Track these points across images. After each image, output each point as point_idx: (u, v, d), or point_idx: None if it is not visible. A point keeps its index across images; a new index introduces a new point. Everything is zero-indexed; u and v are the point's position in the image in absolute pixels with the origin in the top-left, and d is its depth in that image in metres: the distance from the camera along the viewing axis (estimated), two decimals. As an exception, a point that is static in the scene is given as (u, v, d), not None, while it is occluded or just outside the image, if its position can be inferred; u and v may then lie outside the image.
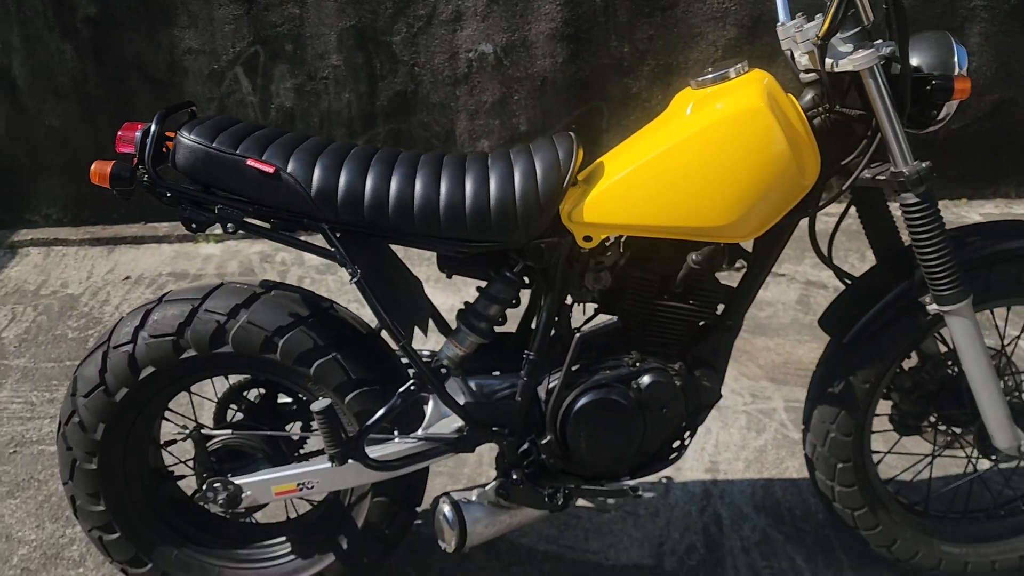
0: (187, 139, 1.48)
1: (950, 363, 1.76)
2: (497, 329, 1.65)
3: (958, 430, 1.80)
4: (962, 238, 1.68)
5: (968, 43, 3.63)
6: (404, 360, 1.67)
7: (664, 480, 2.23)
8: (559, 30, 3.51)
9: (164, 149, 1.50)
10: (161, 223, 3.70)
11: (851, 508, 1.80)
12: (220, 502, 1.61)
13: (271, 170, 1.47)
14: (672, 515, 2.10)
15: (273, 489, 1.62)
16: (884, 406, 1.83)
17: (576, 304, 1.69)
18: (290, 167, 1.48)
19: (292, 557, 1.77)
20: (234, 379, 1.77)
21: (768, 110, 1.46)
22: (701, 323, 1.69)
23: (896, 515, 1.82)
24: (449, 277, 1.68)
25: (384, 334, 1.64)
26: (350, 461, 1.58)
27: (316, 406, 1.50)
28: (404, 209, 1.49)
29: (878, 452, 1.86)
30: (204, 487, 1.62)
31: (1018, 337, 1.90)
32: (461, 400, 1.63)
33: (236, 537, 1.82)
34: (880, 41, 1.46)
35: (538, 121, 3.64)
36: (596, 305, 1.72)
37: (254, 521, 1.86)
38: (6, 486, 2.25)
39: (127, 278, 3.34)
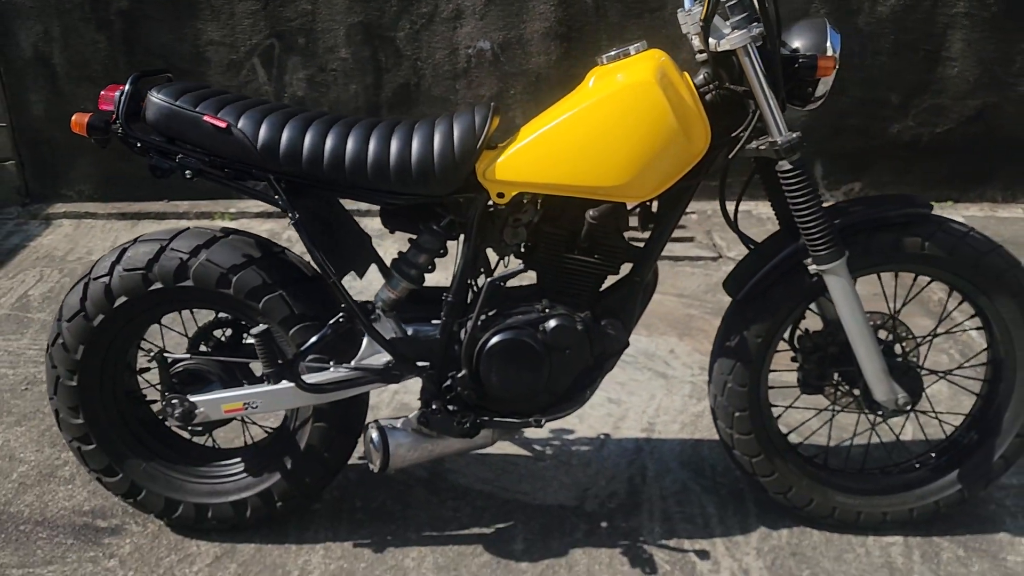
0: (156, 98, 1.73)
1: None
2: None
3: (857, 391, 1.96)
4: (846, 207, 1.85)
5: (950, 49, 3.75)
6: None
7: (602, 436, 2.42)
8: (553, 29, 3.72)
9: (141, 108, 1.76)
10: (182, 201, 4.00)
11: (748, 455, 1.96)
12: (176, 416, 1.85)
13: (224, 125, 1.71)
14: (602, 466, 2.29)
15: (223, 407, 1.86)
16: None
17: (502, 258, 1.90)
18: (241, 123, 1.72)
19: (245, 475, 2.01)
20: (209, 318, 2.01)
21: (656, 84, 1.66)
22: (608, 276, 1.88)
23: (792, 464, 1.98)
24: (392, 232, 1.91)
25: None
26: (289, 384, 1.81)
27: (254, 330, 1.74)
28: (337, 162, 1.72)
29: (778, 406, 2.03)
30: (164, 403, 1.86)
31: (907, 302, 2.04)
32: (388, 336, 1.84)
33: (199, 456, 2.06)
34: (754, 23, 1.65)
35: (533, 114, 3.83)
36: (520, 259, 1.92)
37: (215, 444, 2.10)
38: (15, 416, 2.53)
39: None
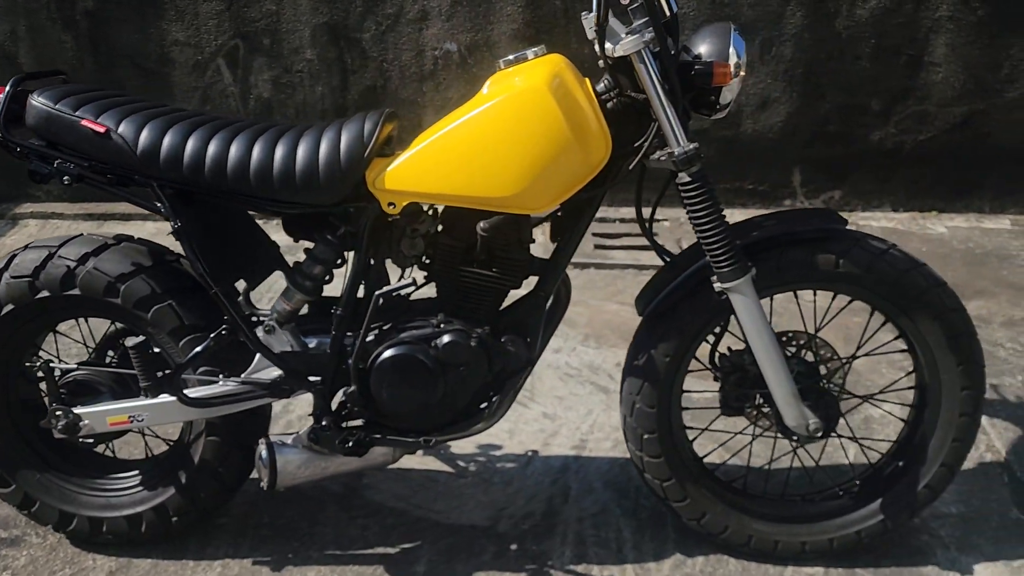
0: (35, 101, 1.68)
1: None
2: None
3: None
4: (760, 222, 1.76)
5: (934, 54, 3.61)
6: (246, 311, 1.83)
7: (530, 453, 2.34)
8: (520, 31, 3.64)
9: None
10: (149, 203, 3.97)
11: (659, 479, 1.87)
12: (60, 428, 1.80)
13: (103, 130, 1.65)
14: (524, 484, 2.21)
15: (108, 419, 1.80)
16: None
17: (404, 270, 1.82)
18: (121, 128, 1.66)
19: (140, 489, 1.95)
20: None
21: (548, 90, 1.58)
22: (511, 290, 1.80)
23: (707, 489, 1.89)
24: (296, 242, 1.84)
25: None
26: (171, 398, 1.75)
27: (130, 342, 1.68)
28: (219, 169, 1.65)
29: (693, 428, 1.94)
30: (48, 414, 1.81)
31: (827, 322, 1.94)
32: (277, 349, 1.78)
33: (95, 468, 2.01)
34: (648, 29, 1.56)
35: (502, 119, 3.77)
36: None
37: (114, 455, 2.05)
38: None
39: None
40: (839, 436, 1.92)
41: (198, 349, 1.73)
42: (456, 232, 1.74)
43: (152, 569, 1.94)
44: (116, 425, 1.81)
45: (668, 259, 1.86)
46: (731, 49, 1.60)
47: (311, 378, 1.79)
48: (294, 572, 1.93)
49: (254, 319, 1.81)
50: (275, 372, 1.79)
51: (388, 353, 1.73)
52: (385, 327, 1.77)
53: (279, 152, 1.66)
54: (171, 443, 2.05)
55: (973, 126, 3.73)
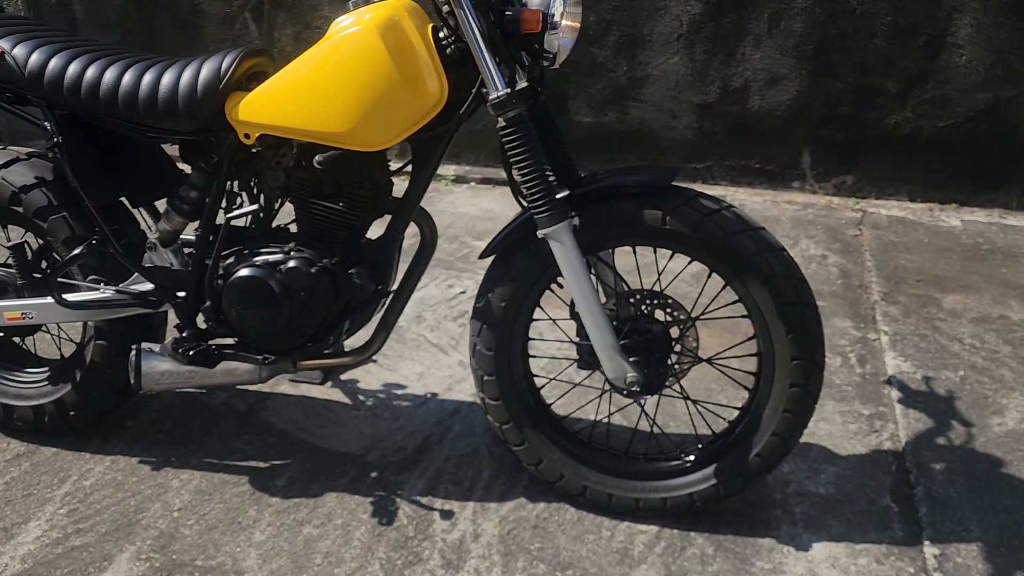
0: (-50, 25, 1.88)
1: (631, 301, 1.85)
2: None
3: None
4: (595, 176, 1.78)
5: (957, 35, 3.41)
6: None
7: (430, 395, 2.42)
8: (526, -4, 3.67)
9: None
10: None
11: (498, 421, 1.92)
12: (-34, 316, 2.02)
13: (-2, 52, 1.84)
14: (409, 422, 2.30)
15: (5, 314, 2.01)
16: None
17: (268, 198, 1.94)
18: (15, 51, 1.84)
19: (46, 384, 2.17)
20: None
21: (375, 31, 1.65)
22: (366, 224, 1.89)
23: (546, 436, 1.92)
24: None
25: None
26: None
27: (8, 244, 1.87)
28: (92, 92, 1.81)
29: (541, 376, 1.97)
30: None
31: (663, 278, 1.92)
32: (148, 264, 1.93)
33: (15, 361, 2.23)
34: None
35: (507, 82, 3.82)
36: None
37: (34, 352, 2.28)
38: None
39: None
40: (687, 398, 1.91)
41: (70, 255, 1.91)
42: (308, 165, 1.84)
43: (53, 457, 2.16)
44: (13, 320, 2.01)
45: (523, 206, 1.89)
46: (552, 2, 1.62)
47: (178, 293, 1.94)
48: (169, 473, 2.09)
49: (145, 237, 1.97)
50: (147, 285, 1.95)
51: (237, 274, 1.85)
52: (244, 251, 1.90)
53: (146, 79, 1.80)
54: (77, 344, 2.26)
55: (999, 114, 3.50)
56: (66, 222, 1.96)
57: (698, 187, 3.61)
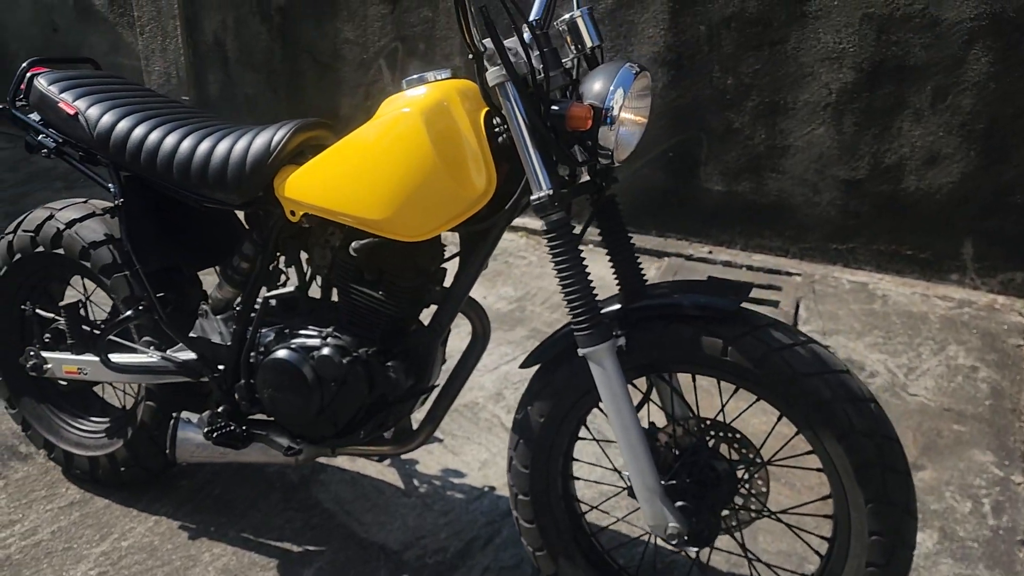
0: (36, 81, 1.93)
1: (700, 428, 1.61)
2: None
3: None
4: (653, 289, 1.55)
5: None
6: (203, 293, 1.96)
7: (486, 489, 2.25)
8: (661, 55, 3.47)
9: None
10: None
11: (532, 547, 1.73)
12: (29, 366, 2.05)
13: (72, 112, 1.86)
14: (458, 518, 2.13)
15: (63, 367, 2.02)
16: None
17: (314, 277, 1.85)
18: (88, 111, 1.85)
19: (103, 435, 2.17)
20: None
21: (420, 117, 1.52)
22: (409, 315, 1.75)
23: (583, 571, 1.70)
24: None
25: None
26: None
27: (63, 303, 1.87)
28: (150, 157, 1.79)
29: (584, 503, 1.76)
30: (24, 352, 2.07)
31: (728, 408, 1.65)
32: (198, 332, 1.88)
33: (81, 408, 2.26)
34: (519, 59, 1.44)
35: (635, 144, 3.62)
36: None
37: (102, 400, 2.30)
38: None
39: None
40: (747, 556, 1.64)
41: (118, 318, 1.89)
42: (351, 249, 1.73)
43: (104, 509, 2.15)
44: (70, 374, 2.02)
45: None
46: (610, 91, 1.42)
47: (218, 366, 1.88)
48: (203, 545, 2.03)
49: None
50: (190, 354, 1.90)
51: (272, 355, 1.76)
52: (285, 330, 1.81)
53: (201, 148, 1.75)
54: (134, 400, 2.25)
55: None
56: (127, 282, 1.95)
57: (839, 271, 3.26)
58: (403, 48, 3.93)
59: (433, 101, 1.53)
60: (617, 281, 1.66)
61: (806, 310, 3.22)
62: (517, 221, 3.92)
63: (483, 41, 1.47)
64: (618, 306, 1.53)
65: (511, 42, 1.48)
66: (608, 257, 1.66)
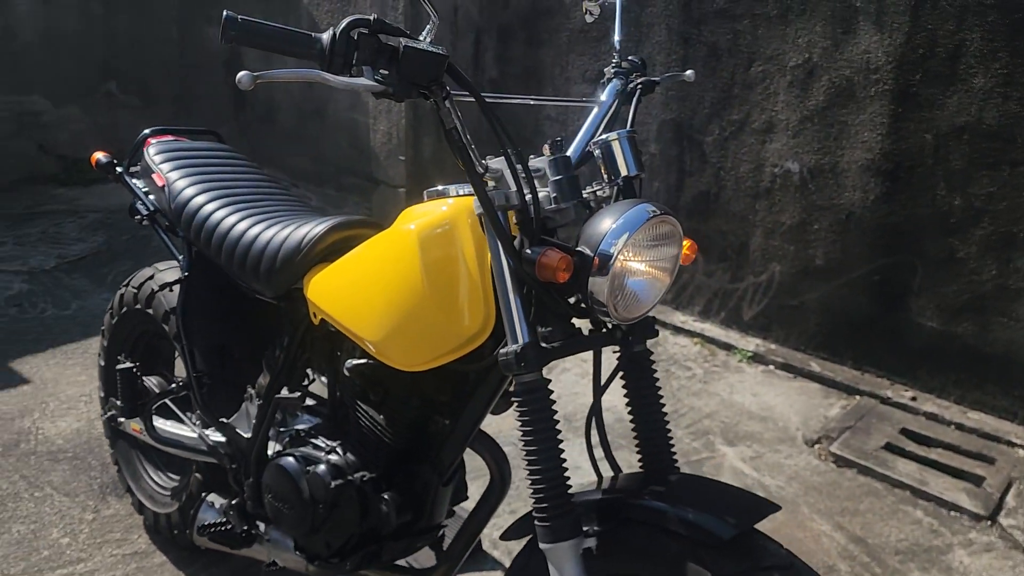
0: (145, 151, 2.01)
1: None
2: None
3: None
4: (684, 479, 1.24)
5: None
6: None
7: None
8: (875, 163, 2.98)
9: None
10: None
11: None
12: (108, 415, 2.12)
13: (161, 183, 1.90)
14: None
15: (132, 425, 2.07)
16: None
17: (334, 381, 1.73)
18: (173, 183, 1.89)
19: (169, 495, 2.20)
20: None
21: (418, 240, 1.35)
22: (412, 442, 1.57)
23: None
24: None
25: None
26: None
27: (119, 366, 1.90)
28: (208, 237, 1.78)
29: None
30: (110, 401, 2.15)
31: None
32: (235, 417, 1.83)
33: (164, 463, 2.30)
34: (513, 190, 1.22)
35: (836, 258, 3.14)
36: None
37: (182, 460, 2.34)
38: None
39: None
40: None
41: (163, 390, 1.89)
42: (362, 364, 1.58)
43: (160, 567, 2.17)
44: (136, 432, 2.07)
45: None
46: (610, 233, 1.15)
47: (237, 457, 1.81)
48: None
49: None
50: (221, 437, 1.85)
51: (277, 460, 1.66)
52: (300, 434, 1.70)
53: (248, 234, 1.71)
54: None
55: None
56: (192, 354, 1.95)
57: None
58: (601, 129, 3.77)
59: (437, 222, 1.34)
60: (640, 459, 1.35)
61: (1017, 498, 2.56)
62: (693, 326, 3.57)
63: (483, 161, 1.27)
64: (599, 496, 1.23)
65: (496, 162, 1.26)
66: (632, 427, 1.36)
